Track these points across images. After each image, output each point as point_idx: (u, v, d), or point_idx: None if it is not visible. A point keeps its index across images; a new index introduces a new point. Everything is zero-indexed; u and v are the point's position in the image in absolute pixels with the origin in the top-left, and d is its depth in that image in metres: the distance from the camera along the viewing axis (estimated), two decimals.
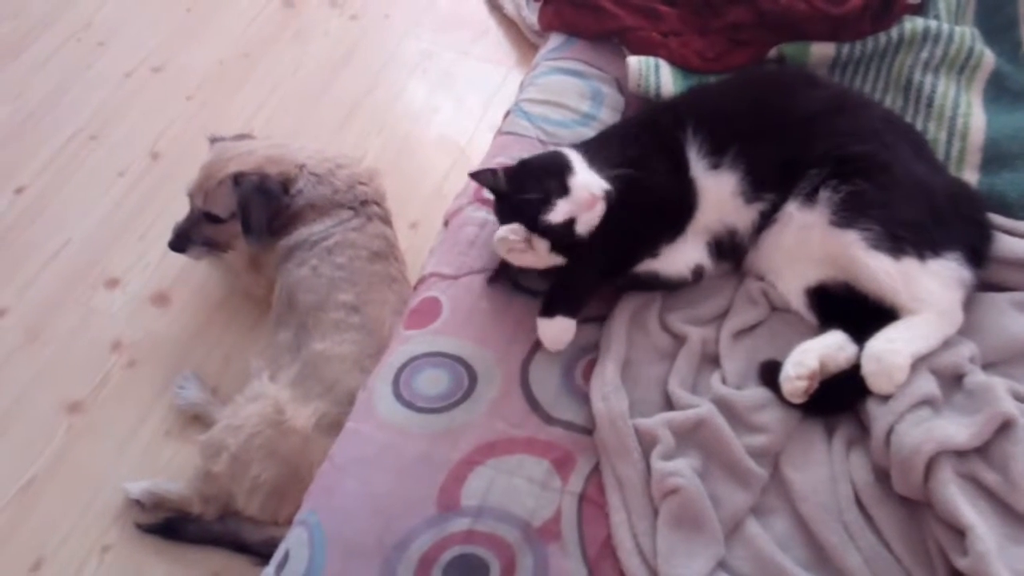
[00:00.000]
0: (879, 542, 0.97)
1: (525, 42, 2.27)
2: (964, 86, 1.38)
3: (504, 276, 1.24)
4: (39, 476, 1.54)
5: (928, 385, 1.02)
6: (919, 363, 1.04)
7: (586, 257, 1.15)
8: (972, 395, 1.02)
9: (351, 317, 1.49)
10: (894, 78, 1.42)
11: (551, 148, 1.27)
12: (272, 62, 2.27)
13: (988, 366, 1.08)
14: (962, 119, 1.33)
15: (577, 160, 1.19)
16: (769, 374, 1.10)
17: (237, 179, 1.58)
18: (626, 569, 0.98)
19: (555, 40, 1.63)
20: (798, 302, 1.18)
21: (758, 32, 1.51)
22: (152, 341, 1.73)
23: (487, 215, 1.31)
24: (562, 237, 1.14)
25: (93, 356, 1.70)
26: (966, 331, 1.10)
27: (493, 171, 1.23)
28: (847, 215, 1.11)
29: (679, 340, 1.18)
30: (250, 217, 1.57)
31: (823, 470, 1.03)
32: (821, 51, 1.46)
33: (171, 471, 1.54)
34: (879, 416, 1.01)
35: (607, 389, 1.10)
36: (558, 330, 1.15)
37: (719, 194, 1.20)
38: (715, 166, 1.20)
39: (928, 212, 1.13)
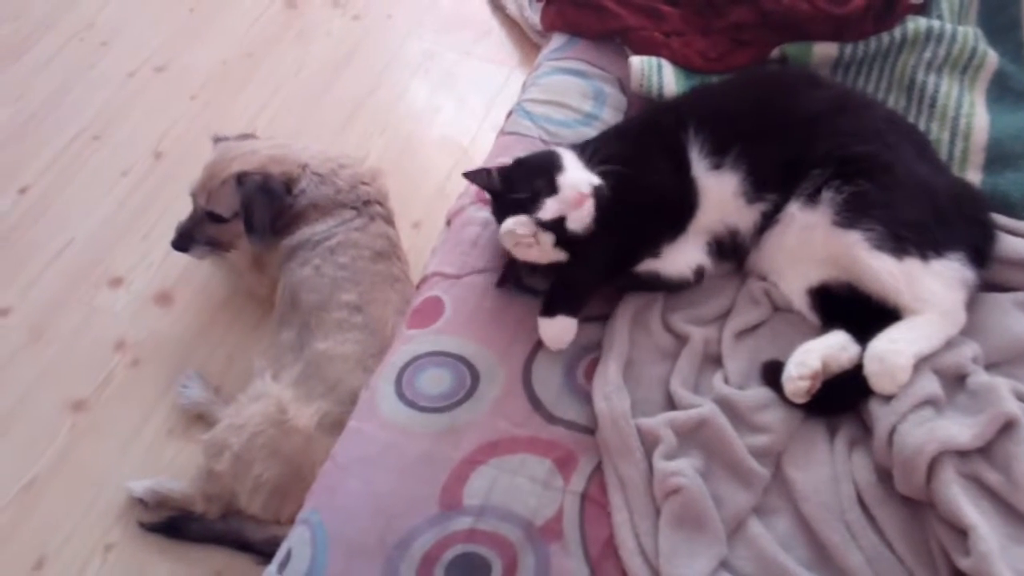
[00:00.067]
0: (881, 542, 0.97)
1: (527, 42, 2.27)
2: (967, 86, 1.38)
3: (511, 278, 1.24)
4: (42, 475, 1.55)
5: (931, 385, 1.02)
6: (922, 363, 1.04)
7: (587, 255, 1.15)
8: (975, 395, 1.01)
9: (354, 317, 1.49)
10: (897, 78, 1.42)
11: (548, 147, 1.27)
12: (275, 62, 2.27)
13: (991, 366, 1.08)
14: (965, 119, 1.33)
15: (570, 159, 1.19)
16: (771, 374, 1.10)
17: (240, 179, 1.58)
18: (628, 569, 0.98)
19: (557, 40, 1.63)
20: (800, 302, 1.18)
21: (760, 32, 1.51)
22: (155, 340, 1.74)
23: (489, 215, 1.31)
24: (555, 234, 1.14)
25: (96, 355, 1.71)
26: (969, 331, 1.09)
27: (487, 171, 1.23)
28: (850, 215, 1.11)
29: (681, 340, 1.18)
30: (253, 217, 1.58)
31: (825, 470, 1.02)
32: (824, 51, 1.46)
33: (174, 470, 1.55)
34: (881, 416, 1.01)
35: (609, 389, 1.10)
36: (559, 329, 1.15)
37: (721, 194, 1.20)
38: (717, 166, 1.20)
39: (931, 212, 1.12)
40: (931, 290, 1.08)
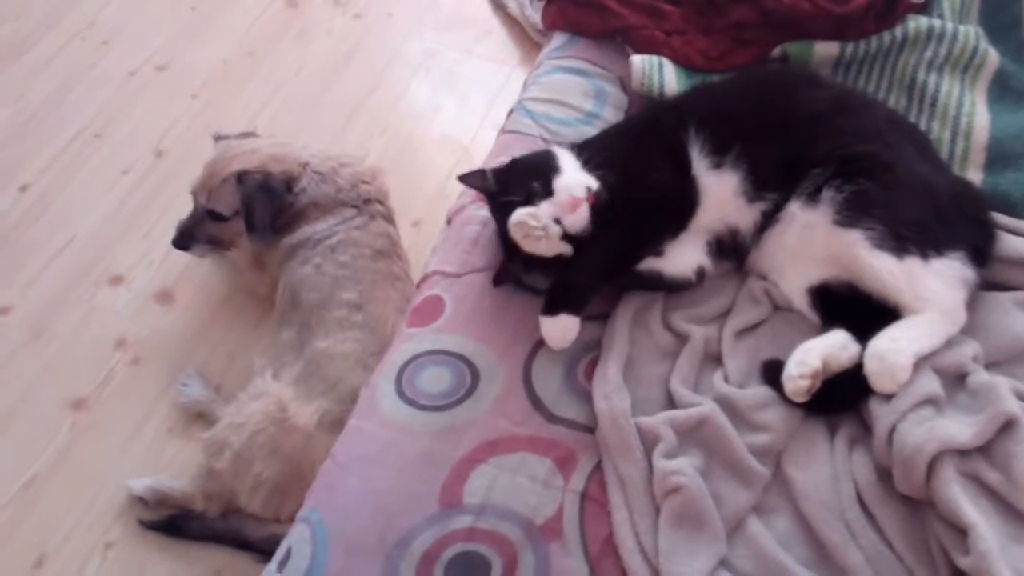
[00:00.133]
0: (881, 541, 0.97)
1: (528, 41, 2.27)
2: (968, 85, 1.38)
3: (508, 276, 1.24)
4: (42, 473, 1.55)
5: (931, 384, 1.02)
6: (922, 362, 1.04)
7: (589, 253, 1.15)
8: (975, 394, 1.01)
9: (354, 315, 1.49)
10: (898, 77, 1.42)
11: (547, 146, 1.27)
12: (276, 61, 2.27)
13: (991, 365, 1.07)
14: (966, 118, 1.33)
15: (567, 159, 1.19)
16: (771, 373, 1.10)
17: (241, 177, 1.58)
18: (628, 567, 0.98)
19: (558, 39, 1.63)
20: (800, 301, 1.18)
21: (762, 31, 1.50)
22: (156, 339, 1.74)
23: (489, 213, 1.31)
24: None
25: (97, 353, 1.71)
26: (969, 330, 1.09)
27: (482, 172, 1.24)
28: (850, 215, 1.11)
29: (681, 339, 1.18)
30: (254, 215, 1.58)
31: (825, 469, 1.02)
32: (825, 50, 1.46)
33: (174, 468, 1.55)
34: (882, 415, 1.01)
35: (609, 388, 1.10)
36: (562, 328, 1.14)
37: (721, 193, 1.20)
38: (717, 165, 1.20)
39: (931, 211, 1.12)
40: (931, 289, 1.08)
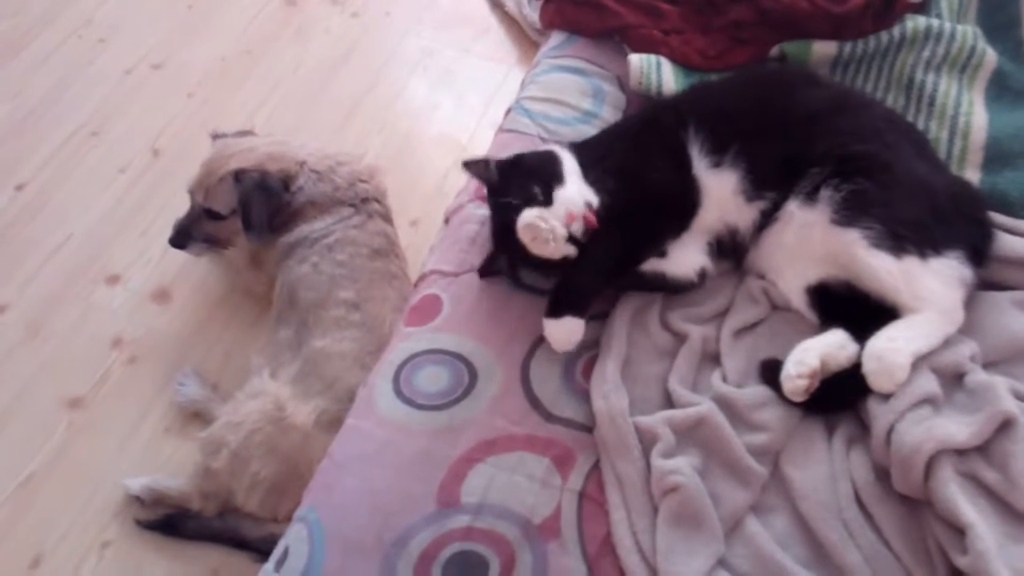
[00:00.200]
0: (879, 540, 0.97)
1: (526, 40, 2.27)
2: (966, 85, 1.38)
3: (494, 268, 1.24)
4: (38, 472, 1.54)
5: (929, 384, 1.02)
6: (920, 362, 1.04)
7: (593, 256, 1.14)
8: (973, 394, 1.01)
9: (352, 314, 1.49)
10: (896, 77, 1.42)
11: (551, 146, 1.27)
12: (273, 59, 2.27)
13: (989, 365, 1.08)
14: (964, 118, 1.33)
15: (570, 166, 1.18)
16: (770, 372, 1.10)
17: (238, 176, 1.57)
18: (625, 567, 0.98)
19: (556, 38, 1.63)
20: (799, 301, 1.18)
21: (760, 30, 1.50)
22: (153, 338, 1.73)
23: (488, 212, 1.31)
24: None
25: (93, 352, 1.70)
26: (967, 330, 1.09)
27: (486, 162, 1.24)
28: (848, 214, 1.11)
29: (680, 338, 1.17)
30: (251, 214, 1.57)
31: (823, 468, 1.02)
32: (823, 50, 1.46)
33: (171, 467, 1.54)
34: (880, 415, 1.01)
35: (607, 387, 1.10)
36: (566, 330, 1.14)
37: (720, 192, 1.20)
38: (716, 164, 1.20)
39: (929, 211, 1.12)
40: (929, 288, 1.08)
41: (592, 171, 1.18)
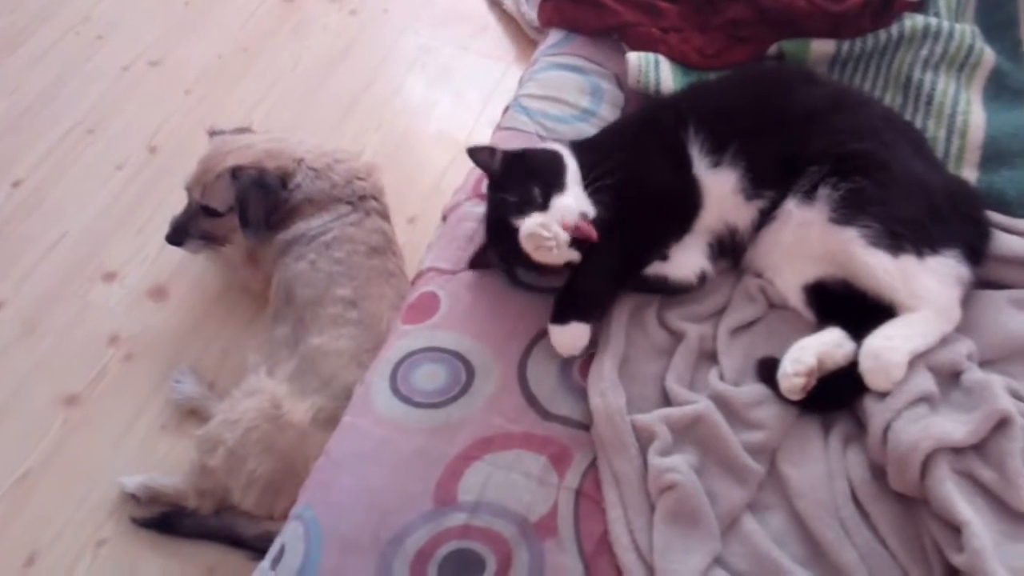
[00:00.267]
0: (875, 538, 0.97)
1: (524, 38, 2.26)
2: (964, 84, 1.38)
3: (484, 261, 1.24)
4: (34, 469, 1.54)
5: (926, 382, 1.02)
6: (917, 360, 1.04)
7: (597, 260, 1.14)
8: (969, 392, 1.02)
9: (349, 312, 1.48)
10: (894, 75, 1.42)
11: (555, 145, 1.26)
12: (271, 56, 2.26)
13: (986, 363, 1.08)
14: (961, 117, 1.33)
15: (572, 173, 1.18)
16: (767, 371, 1.09)
17: (235, 173, 1.57)
18: (622, 565, 0.98)
19: (555, 36, 1.63)
20: (796, 299, 1.18)
21: (758, 29, 1.50)
22: (149, 335, 1.73)
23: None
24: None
25: (90, 349, 1.70)
26: (964, 329, 1.09)
27: (492, 150, 1.23)
28: (846, 212, 1.11)
29: (677, 337, 1.17)
30: (248, 211, 1.57)
31: (820, 467, 1.02)
32: (821, 48, 1.46)
33: (167, 465, 1.54)
34: (876, 413, 1.01)
35: (605, 385, 1.10)
36: (572, 336, 1.13)
37: (720, 192, 1.20)
38: (716, 164, 1.19)
39: (927, 210, 1.12)
40: (926, 287, 1.08)
41: (593, 174, 1.17)
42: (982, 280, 1.15)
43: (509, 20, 2.33)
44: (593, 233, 1.11)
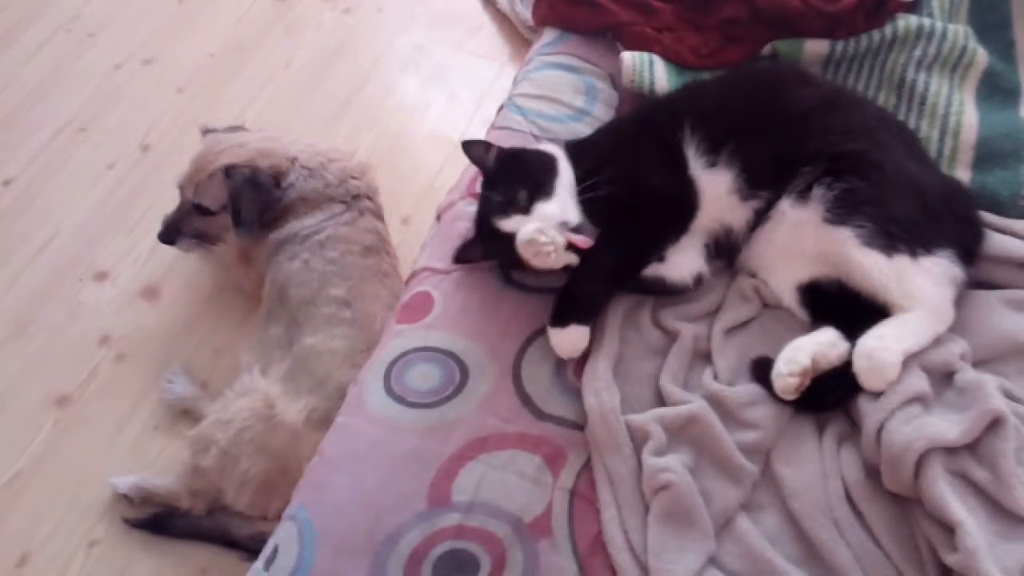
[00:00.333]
0: (869, 538, 0.97)
1: (518, 37, 2.26)
2: (957, 84, 1.38)
3: (469, 255, 1.24)
4: (25, 470, 1.53)
5: (919, 382, 1.02)
6: (910, 360, 1.05)
7: (596, 261, 1.14)
8: (963, 392, 1.02)
9: (342, 312, 1.48)
10: (887, 76, 1.43)
11: (551, 147, 1.26)
12: (264, 55, 2.26)
13: (979, 363, 1.08)
14: (955, 117, 1.33)
15: (564, 176, 1.17)
16: (761, 371, 1.10)
17: (228, 171, 1.56)
18: (616, 564, 0.98)
19: (549, 35, 1.63)
20: (790, 299, 1.18)
21: (752, 28, 1.50)
22: (141, 335, 1.72)
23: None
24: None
25: (81, 350, 1.69)
26: (957, 329, 1.10)
27: (487, 145, 1.23)
28: (840, 212, 1.11)
29: (671, 336, 1.17)
30: (241, 210, 1.56)
31: (814, 467, 1.03)
32: (815, 48, 1.46)
33: (159, 466, 1.54)
34: (870, 413, 1.02)
35: (599, 385, 1.10)
36: (571, 339, 1.13)
37: (716, 192, 1.20)
38: (712, 164, 1.19)
39: (920, 210, 1.13)
40: (920, 287, 1.08)
41: (590, 176, 1.17)
42: (975, 280, 1.15)
43: (503, 19, 2.32)
44: (584, 243, 1.11)
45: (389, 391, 1.13)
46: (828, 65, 1.48)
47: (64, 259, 1.83)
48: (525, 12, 2.17)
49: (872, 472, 1.01)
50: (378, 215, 1.67)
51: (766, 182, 1.18)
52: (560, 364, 1.15)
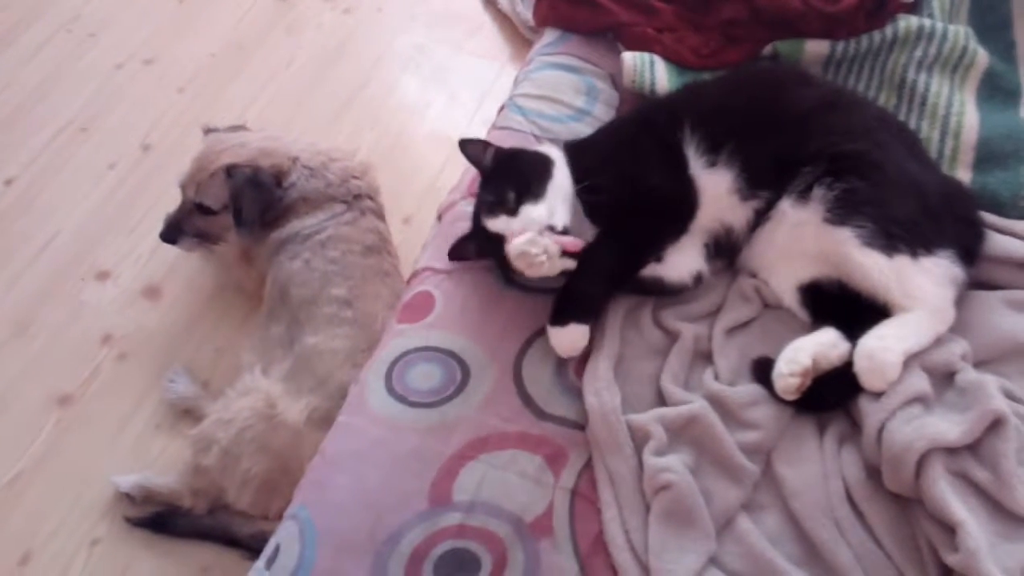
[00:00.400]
0: (870, 538, 0.97)
1: (519, 37, 2.26)
2: (958, 85, 1.38)
3: (463, 252, 1.24)
4: (28, 469, 1.53)
5: (920, 382, 1.03)
6: (911, 360, 1.05)
7: (595, 261, 1.14)
8: (964, 393, 1.02)
9: (344, 311, 1.48)
10: (888, 76, 1.43)
11: (550, 149, 1.26)
12: (265, 55, 2.26)
13: (980, 364, 1.08)
14: (955, 118, 1.33)
15: (557, 179, 1.17)
16: (762, 371, 1.10)
17: (230, 171, 1.57)
18: (617, 564, 0.98)
19: (550, 35, 1.63)
20: (791, 299, 1.18)
21: (753, 29, 1.50)
22: (143, 334, 1.72)
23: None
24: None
25: (83, 349, 1.69)
26: (958, 329, 1.10)
27: (484, 144, 1.23)
28: (841, 212, 1.11)
29: (672, 336, 1.17)
30: (242, 209, 1.57)
31: (815, 467, 1.03)
32: (815, 48, 1.46)
33: (161, 465, 1.54)
34: (871, 413, 1.02)
35: (600, 384, 1.10)
36: (571, 338, 1.13)
37: (716, 192, 1.20)
38: (712, 164, 1.19)
39: (921, 210, 1.13)
40: (921, 287, 1.08)
41: (590, 176, 1.17)
42: (976, 281, 1.16)
43: (504, 20, 2.32)
44: (573, 245, 1.11)
45: (390, 391, 1.13)
46: (828, 65, 1.48)
47: (65, 259, 1.84)
48: (526, 12, 2.17)
49: (873, 472, 1.01)
50: (379, 215, 1.67)
51: (766, 182, 1.18)
52: (561, 364, 1.15)
